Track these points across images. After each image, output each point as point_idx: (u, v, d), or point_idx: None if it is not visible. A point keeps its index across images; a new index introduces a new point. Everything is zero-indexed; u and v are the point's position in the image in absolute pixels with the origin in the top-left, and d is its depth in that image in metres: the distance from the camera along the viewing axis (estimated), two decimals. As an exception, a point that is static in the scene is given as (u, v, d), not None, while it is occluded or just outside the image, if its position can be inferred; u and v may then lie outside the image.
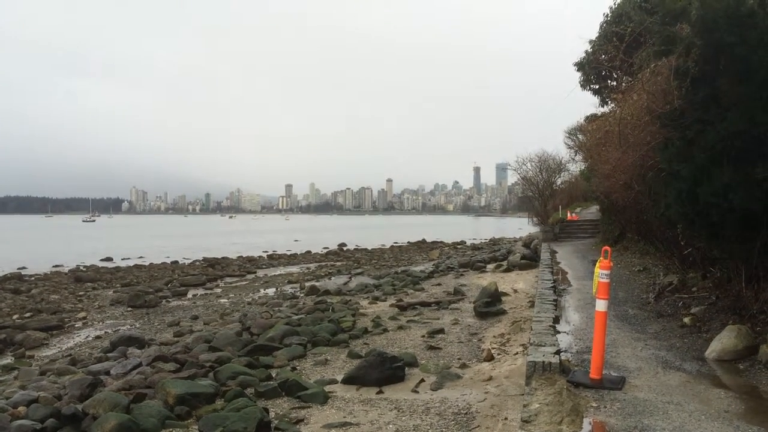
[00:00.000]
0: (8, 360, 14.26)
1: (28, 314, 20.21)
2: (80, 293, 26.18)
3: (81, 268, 37.78)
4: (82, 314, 20.58)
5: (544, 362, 6.09)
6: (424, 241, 60.79)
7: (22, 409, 8.12)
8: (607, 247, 6.09)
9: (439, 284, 21.62)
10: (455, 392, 7.94)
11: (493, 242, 57.04)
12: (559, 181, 36.70)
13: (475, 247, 49.08)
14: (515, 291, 17.19)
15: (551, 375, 5.96)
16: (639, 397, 5.40)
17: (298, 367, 10.16)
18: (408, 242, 61.14)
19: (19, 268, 36.53)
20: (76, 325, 18.77)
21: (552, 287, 11.88)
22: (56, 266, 38.93)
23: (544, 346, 6.77)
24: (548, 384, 5.74)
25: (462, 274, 24.49)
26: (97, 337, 16.61)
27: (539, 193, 34.13)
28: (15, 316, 19.98)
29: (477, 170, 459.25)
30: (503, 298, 15.43)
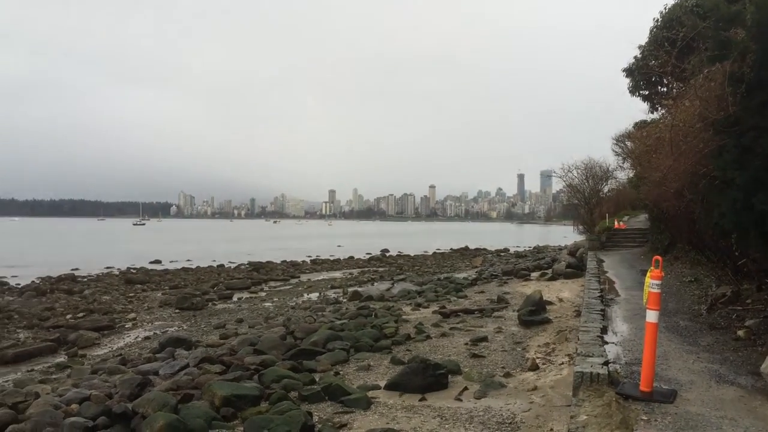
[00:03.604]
0: (62, 358, 14.74)
1: (81, 314, 20.85)
2: (130, 294, 26.89)
3: (131, 270, 38.80)
4: (132, 315, 21.12)
5: (591, 373, 5.97)
6: (467, 248, 60.40)
7: (74, 406, 8.38)
8: (657, 257, 5.94)
9: (482, 292, 21.44)
10: (499, 401, 7.86)
11: (538, 250, 56.26)
12: (606, 189, 36.01)
13: (518, 255, 48.55)
14: (560, 300, 16.93)
15: (599, 386, 5.84)
16: (691, 411, 5.24)
17: (341, 372, 10.21)
18: (450, 249, 60.85)
19: (72, 270, 37.78)
20: (127, 326, 19.27)
21: (599, 297, 11.66)
22: (108, 268, 40.05)
23: (591, 356, 6.64)
24: (596, 395, 5.63)
25: (505, 282, 24.24)
26: (146, 338, 17.02)
27: (585, 201, 33.57)
28: (69, 316, 20.65)
29: (521, 177, 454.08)
30: (548, 307, 15.21)
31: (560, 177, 34.42)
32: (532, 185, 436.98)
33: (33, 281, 31.81)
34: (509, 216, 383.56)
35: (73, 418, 7.67)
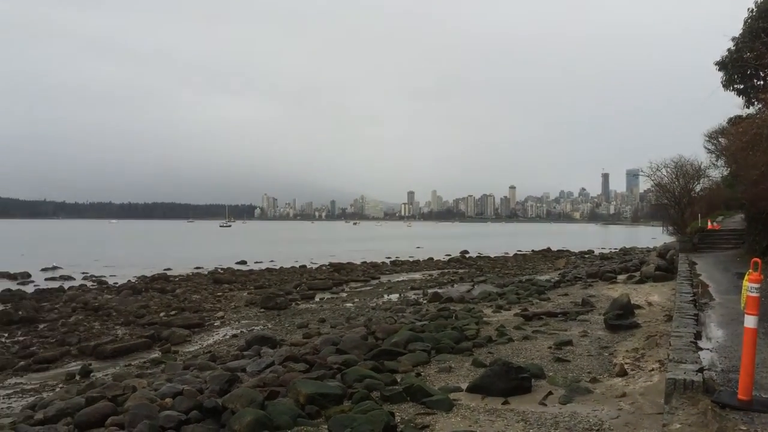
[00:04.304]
0: (156, 354, 15.50)
1: (173, 312, 21.85)
2: (218, 294, 27.94)
3: (219, 270, 40.29)
4: (220, 314, 21.94)
5: (685, 380, 5.72)
6: (549, 250, 59.14)
7: (168, 400, 8.77)
8: (756, 259, 5.62)
9: (565, 294, 20.92)
10: (586, 407, 7.65)
11: (624, 252, 54.36)
12: (697, 188, 34.29)
13: (603, 257, 47.08)
14: (649, 304, 16.27)
15: (694, 394, 5.59)
16: (796, 424, 4.93)
17: (422, 373, 10.20)
18: (532, 251, 59.73)
19: (165, 269, 39.68)
20: (215, 324, 20.05)
21: (692, 301, 11.14)
22: (197, 268, 41.77)
23: (684, 362, 6.36)
24: (691, 403, 5.39)
25: (590, 285, 23.54)
26: (234, 336, 17.64)
27: (675, 201, 32.11)
28: (162, 314, 21.68)
29: (605, 176, 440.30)
30: (636, 311, 14.64)
31: (648, 176, 33.03)
32: (618, 185, 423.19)
33: (129, 280, 33.62)
34: (593, 217, 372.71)
35: (167, 412, 8.03)
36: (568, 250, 58.74)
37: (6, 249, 67.02)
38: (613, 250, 59.13)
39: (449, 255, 54.07)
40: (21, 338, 18.44)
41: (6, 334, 19.12)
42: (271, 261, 48.82)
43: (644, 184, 43.26)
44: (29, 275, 37.09)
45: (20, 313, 21.90)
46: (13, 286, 31.90)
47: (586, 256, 50.82)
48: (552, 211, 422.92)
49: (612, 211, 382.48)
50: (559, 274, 29.39)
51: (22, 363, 14.94)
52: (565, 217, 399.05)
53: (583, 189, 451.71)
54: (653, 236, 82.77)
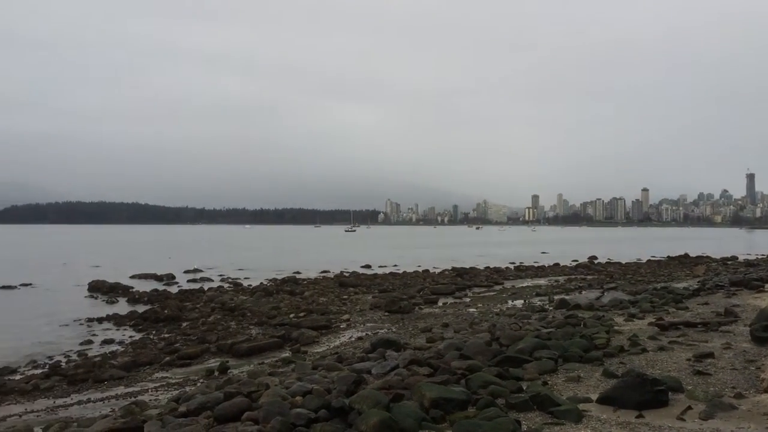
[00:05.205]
0: (286, 354, 16.22)
1: (302, 314, 22.75)
2: (344, 297, 28.76)
3: (344, 273, 41.44)
4: (345, 316, 22.57)
5: None
6: (686, 256, 55.36)
7: (299, 398, 9.13)
8: None
9: (705, 303, 19.53)
10: (729, 424, 7.12)
11: (774, 258, 49.90)
12: None
13: (749, 264, 43.46)
14: (804, 315, 14.83)
15: None
16: None
17: (548, 382, 9.93)
18: (667, 256, 56.19)
19: (294, 273, 41.44)
20: (341, 326, 20.65)
21: None
22: (324, 272, 43.29)
23: None
24: None
25: (734, 294, 21.80)
26: (359, 338, 18.07)
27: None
28: (292, 315, 22.63)
29: (750, 177, 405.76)
30: (788, 323, 13.40)
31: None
32: (765, 186, 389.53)
33: (262, 283, 35.49)
34: (736, 220, 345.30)
35: (298, 409, 8.35)
36: (708, 256, 54.82)
37: (155, 253, 73.08)
38: (760, 257, 54.38)
39: (576, 261, 52.16)
40: (166, 335, 20.03)
41: (154, 331, 20.87)
42: (395, 265, 49.49)
43: (797, 185, 39.50)
44: (174, 277, 40.18)
45: (166, 312, 23.86)
46: (159, 286, 34.77)
47: (729, 262, 47.15)
48: (689, 215, 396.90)
49: (758, 214, 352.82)
50: (699, 282, 27.48)
51: (167, 358, 16.23)
52: (704, 221, 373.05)
53: (725, 191, 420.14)
54: (808, 241, 75.29)
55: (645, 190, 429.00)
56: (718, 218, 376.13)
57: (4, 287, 34.80)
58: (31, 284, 36.45)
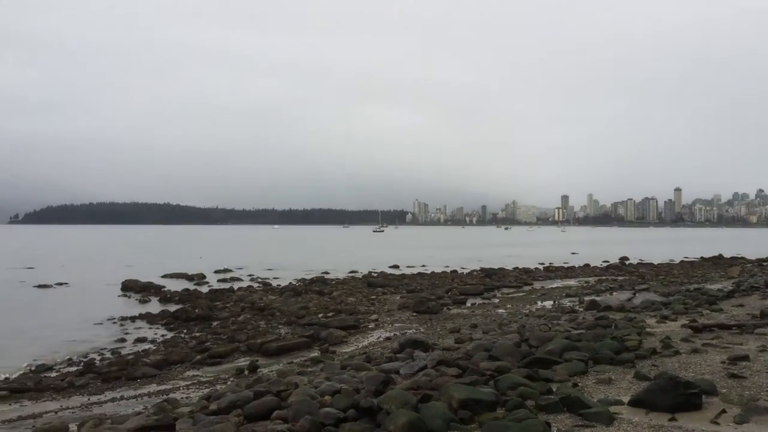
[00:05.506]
0: (315, 353, 16.30)
1: (330, 314, 22.84)
2: (372, 297, 28.80)
3: (372, 274, 41.51)
4: (374, 316, 22.60)
5: None
6: (720, 257, 54.24)
7: (327, 398, 9.16)
8: None
9: (740, 305, 19.13)
10: (765, 428, 6.97)
11: (812, 259, 48.60)
12: None
13: (787, 265, 42.42)
14: (844, 318, 14.45)
15: None
16: None
17: (579, 384, 9.81)
18: (701, 257, 55.13)
19: (323, 272, 41.67)
20: (369, 326, 20.69)
21: None
22: (352, 272, 43.43)
23: None
24: None
25: (771, 295, 21.33)
26: (387, 338, 18.08)
27: None
28: (320, 315, 22.74)
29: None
30: (828, 326, 13.08)
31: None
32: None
33: (290, 282, 35.72)
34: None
35: (327, 409, 8.39)
36: (743, 257, 53.59)
37: (186, 252, 74.10)
38: (799, 258, 53.10)
39: (607, 261, 51.48)
40: (197, 334, 20.29)
41: (185, 330, 21.16)
42: (423, 266, 49.42)
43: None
44: (204, 276, 40.70)
45: (197, 311, 24.17)
46: (190, 286, 35.24)
47: (765, 263, 46.05)
48: (724, 215, 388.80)
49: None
50: (733, 283, 26.91)
51: (198, 357, 16.44)
52: (739, 222, 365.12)
53: (761, 190, 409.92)
54: None
55: (678, 189, 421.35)
56: (754, 218, 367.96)
57: (40, 286, 35.68)
58: (66, 283, 37.25)
